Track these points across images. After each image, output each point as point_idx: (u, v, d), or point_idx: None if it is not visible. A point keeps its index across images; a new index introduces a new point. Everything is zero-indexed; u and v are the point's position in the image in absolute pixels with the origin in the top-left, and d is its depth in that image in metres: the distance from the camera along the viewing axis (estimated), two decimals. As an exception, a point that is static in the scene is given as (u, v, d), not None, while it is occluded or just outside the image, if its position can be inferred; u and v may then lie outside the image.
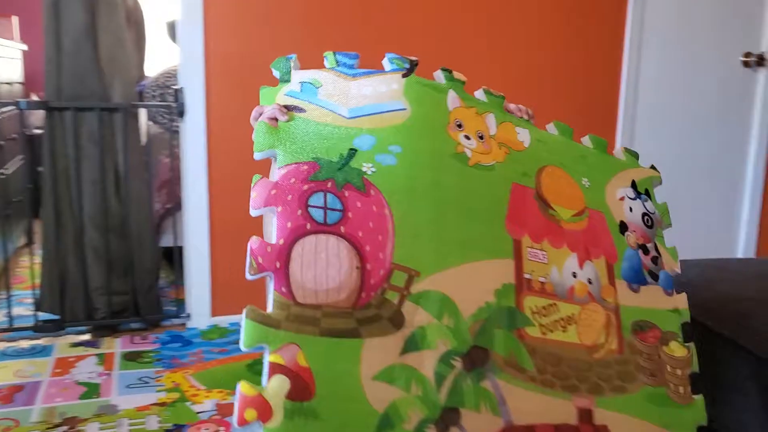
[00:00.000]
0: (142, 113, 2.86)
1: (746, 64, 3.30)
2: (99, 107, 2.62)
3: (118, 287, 2.77)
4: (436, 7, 2.89)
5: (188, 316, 2.89)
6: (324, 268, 1.06)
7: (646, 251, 1.36)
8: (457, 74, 1.30)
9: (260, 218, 3.04)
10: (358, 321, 1.06)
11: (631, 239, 1.34)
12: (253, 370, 2.48)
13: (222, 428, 2.07)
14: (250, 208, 1.08)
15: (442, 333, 1.11)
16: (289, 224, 1.06)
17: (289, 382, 1.00)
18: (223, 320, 2.91)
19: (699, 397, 1.29)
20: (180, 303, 2.94)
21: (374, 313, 1.07)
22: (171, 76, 3.34)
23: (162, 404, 2.22)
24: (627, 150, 1.48)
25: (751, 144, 3.33)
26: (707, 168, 3.35)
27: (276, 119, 1.15)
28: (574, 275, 1.26)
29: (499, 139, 1.29)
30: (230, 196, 2.77)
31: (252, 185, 1.09)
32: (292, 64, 1.24)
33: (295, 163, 1.12)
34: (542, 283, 1.22)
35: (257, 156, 1.13)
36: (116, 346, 2.70)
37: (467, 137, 1.25)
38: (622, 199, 1.38)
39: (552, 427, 1.17)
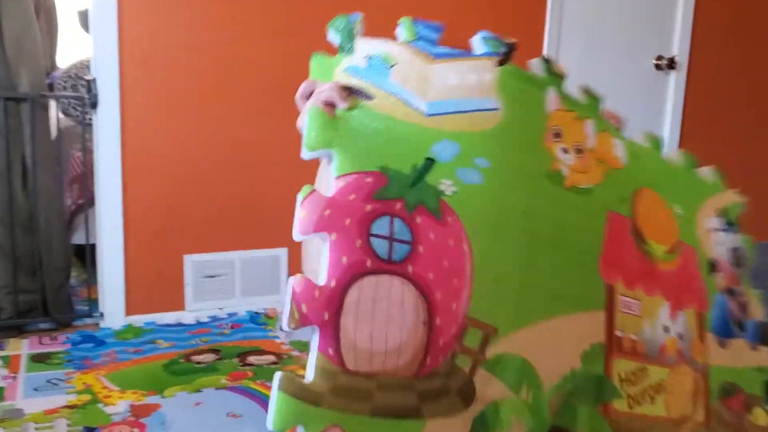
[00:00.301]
0: (53, 105, 2.74)
1: (658, 67, 3.45)
2: (4, 96, 2.50)
3: (25, 285, 2.64)
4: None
5: (101, 315, 2.78)
6: (384, 322, 0.82)
7: (733, 295, 1.18)
8: (557, 66, 1.03)
9: (184, 208, 2.94)
10: (420, 396, 0.84)
11: (720, 281, 1.16)
12: (170, 370, 2.42)
13: (136, 430, 2.00)
14: (296, 231, 0.82)
15: (517, 410, 0.92)
16: (344, 260, 0.81)
17: None
18: (138, 319, 2.82)
19: None
20: (92, 302, 2.83)
21: (441, 384, 0.86)
22: (84, 67, 3.22)
23: (72, 407, 2.11)
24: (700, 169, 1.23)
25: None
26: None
27: (334, 105, 0.88)
28: (666, 330, 1.08)
29: (598, 154, 1.04)
30: (145, 192, 2.70)
31: (300, 199, 0.82)
32: (356, 28, 0.94)
33: (357, 173, 0.85)
34: (633, 341, 1.04)
35: (307, 155, 0.86)
36: (23, 347, 2.56)
37: (565, 150, 1.01)
38: (711, 231, 1.17)
39: None
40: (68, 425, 1.99)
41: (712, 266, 1.16)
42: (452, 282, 0.88)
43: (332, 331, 0.80)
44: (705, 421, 1.10)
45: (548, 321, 0.95)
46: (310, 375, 0.80)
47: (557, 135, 1.01)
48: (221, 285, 2.98)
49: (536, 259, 0.95)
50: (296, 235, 0.82)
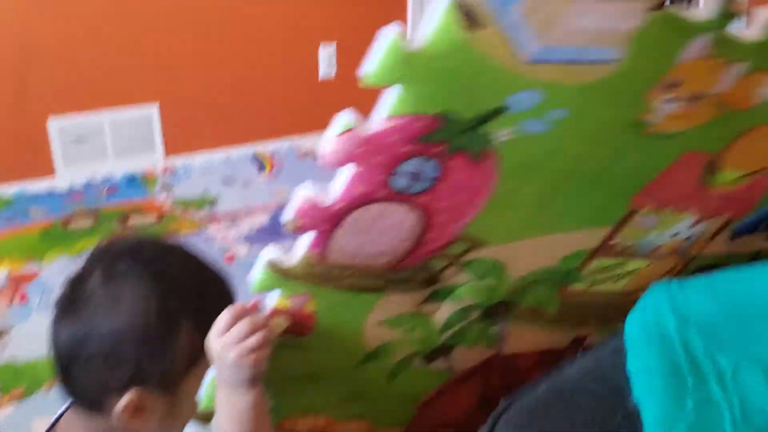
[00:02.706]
0: None
1: None
2: None
3: None
4: None
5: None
6: (376, 235, 0.84)
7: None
8: (734, 4, 0.81)
9: (43, 65, 2.64)
10: (386, 281, 0.91)
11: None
12: (47, 236, 2.31)
13: (16, 298, 1.94)
14: (322, 161, 0.75)
15: (473, 290, 1.00)
16: (359, 189, 0.78)
17: (287, 322, 0.91)
18: (6, 190, 2.63)
19: None
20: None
21: (409, 275, 0.92)
22: None
23: (-58, 280, 1.99)
24: None
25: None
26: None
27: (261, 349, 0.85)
28: (675, 235, 1.06)
29: (724, 97, 0.90)
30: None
31: (335, 131, 0.73)
32: None
33: (414, 115, 0.74)
34: (626, 246, 1.05)
35: (374, 81, 0.72)
36: None
37: (671, 101, 0.87)
38: None
39: (535, 353, 1.16)
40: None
41: None
42: (461, 210, 0.86)
43: (325, 238, 0.83)
44: None
45: (543, 237, 0.96)
46: (293, 261, 0.85)
47: (672, 86, 0.85)
48: (92, 148, 2.79)
49: (559, 190, 0.91)
50: (324, 164, 0.76)
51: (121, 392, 0.81)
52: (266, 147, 3.22)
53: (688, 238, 1.08)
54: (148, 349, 0.83)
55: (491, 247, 0.94)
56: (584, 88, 0.79)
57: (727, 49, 0.84)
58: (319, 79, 3.33)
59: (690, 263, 1.15)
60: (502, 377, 1.17)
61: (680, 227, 1.05)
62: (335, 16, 3.32)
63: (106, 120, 2.75)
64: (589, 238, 1.00)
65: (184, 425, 0.92)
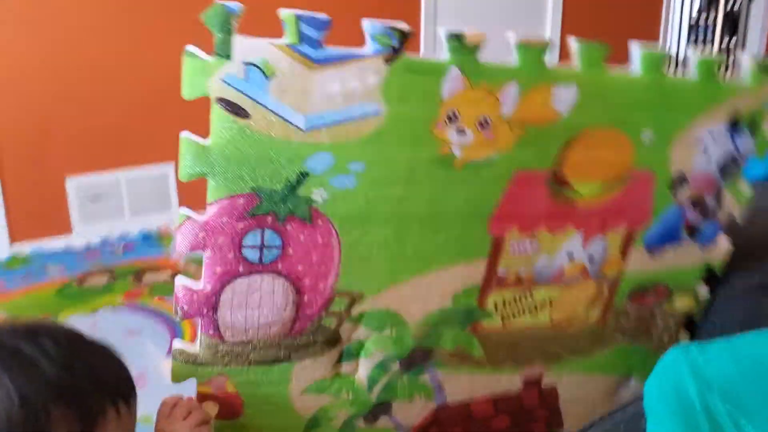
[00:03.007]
0: None
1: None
2: None
3: None
4: None
5: (-16, 246, 2.69)
6: (256, 307, 0.97)
7: (698, 205, 1.13)
8: (470, 38, 0.91)
9: (59, 126, 2.76)
10: (288, 348, 1.02)
11: (684, 194, 1.11)
12: (63, 294, 2.39)
13: None
14: (174, 252, 0.97)
15: (381, 343, 1.07)
16: (218, 269, 0.92)
17: (218, 406, 1.02)
18: (24, 248, 2.73)
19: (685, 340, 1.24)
20: (-25, 234, 2.72)
21: (307, 340, 1.02)
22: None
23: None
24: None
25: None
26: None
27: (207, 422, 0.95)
28: (571, 255, 1.10)
29: (518, 117, 0.97)
30: (13, 110, 2.56)
31: (177, 225, 0.90)
32: (234, 22, 0.84)
33: (230, 197, 0.89)
34: (520, 275, 1.09)
35: (184, 179, 0.89)
36: None
37: (461, 131, 0.96)
38: (699, 141, 1.08)
39: (490, 399, 1.18)
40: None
41: (678, 181, 1.10)
42: (320, 269, 0.98)
43: (211, 319, 0.97)
44: (599, 320, 1.18)
45: (416, 278, 1.04)
46: (197, 348, 0.99)
47: (452, 118, 0.95)
48: (109, 206, 2.89)
49: (407, 233, 1.00)
50: (175, 255, 1.01)
51: None
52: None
53: (591, 259, 1.11)
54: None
55: (373, 297, 1.02)
56: (366, 141, 0.91)
57: (484, 75, 0.94)
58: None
59: (617, 286, 1.16)
60: (464, 429, 1.19)
61: (571, 247, 1.09)
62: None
63: (122, 178, 2.85)
64: (469, 272, 1.06)
65: None
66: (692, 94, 1.04)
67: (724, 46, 4.52)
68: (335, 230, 0.96)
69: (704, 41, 4.56)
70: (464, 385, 1.15)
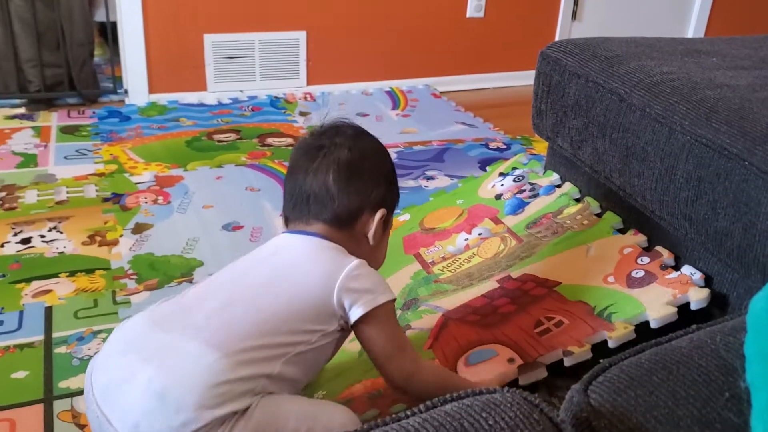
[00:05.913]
0: None
1: None
2: None
3: (50, 59, 2.70)
4: None
5: (125, 92, 2.85)
6: None
7: (522, 192, 1.73)
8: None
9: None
10: None
11: (507, 196, 1.73)
12: (192, 146, 2.52)
13: (161, 198, 2.12)
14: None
15: None
16: None
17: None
18: (161, 98, 2.89)
19: (607, 213, 1.53)
20: (117, 80, 2.89)
21: None
22: None
23: (100, 174, 2.24)
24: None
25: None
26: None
27: None
28: (466, 239, 1.62)
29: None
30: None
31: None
32: None
33: None
34: (442, 257, 1.59)
35: None
36: (53, 119, 2.66)
37: None
38: (493, 186, 1.80)
39: (482, 297, 1.42)
40: (97, 190, 2.13)
41: (499, 196, 1.75)
42: None
43: None
44: (518, 242, 1.56)
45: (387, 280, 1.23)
46: None
47: None
48: (241, 67, 3.00)
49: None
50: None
51: (372, 211, 1.09)
52: (403, 84, 3.27)
53: (480, 234, 1.63)
54: (392, 185, 1.15)
55: None
56: None
57: None
58: (467, 17, 3.30)
59: (513, 230, 1.61)
60: (476, 316, 1.40)
61: (461, 237, 1.65)
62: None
63: (256, 40, 2.96)
64: (411, 268, 1.62)
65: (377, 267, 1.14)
66: (471, 185, 1.87)
67: None
68: None
69: None
70: (455, 300, 1.42)
